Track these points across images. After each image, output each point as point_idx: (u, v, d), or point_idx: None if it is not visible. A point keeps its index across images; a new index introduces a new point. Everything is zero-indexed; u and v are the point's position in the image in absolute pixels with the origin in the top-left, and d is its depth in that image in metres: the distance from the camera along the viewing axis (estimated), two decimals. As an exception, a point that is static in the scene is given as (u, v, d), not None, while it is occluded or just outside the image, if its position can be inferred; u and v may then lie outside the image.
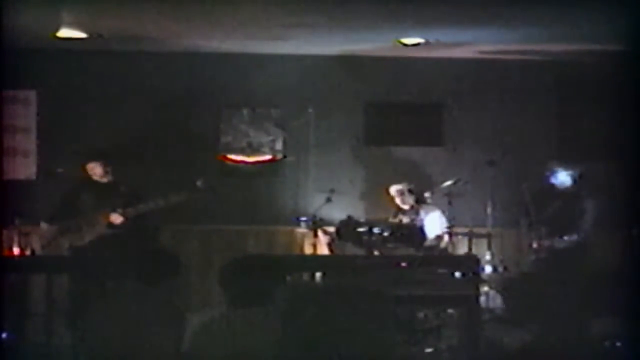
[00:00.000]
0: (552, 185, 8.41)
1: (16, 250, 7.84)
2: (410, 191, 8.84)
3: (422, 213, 8.76)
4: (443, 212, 8.73)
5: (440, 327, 7.52)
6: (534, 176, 8.59)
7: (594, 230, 8.27)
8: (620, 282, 7.05)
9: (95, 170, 8.17)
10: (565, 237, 8.18)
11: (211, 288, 8.47)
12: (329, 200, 8.91)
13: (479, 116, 9.66)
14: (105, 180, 8.18)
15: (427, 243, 8.53)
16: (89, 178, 8.20)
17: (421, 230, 8.52)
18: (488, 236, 8.66)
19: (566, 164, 8.46)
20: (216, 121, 9.58)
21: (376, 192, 9.30)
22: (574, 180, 8.35)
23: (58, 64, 9.21)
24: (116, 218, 8.02)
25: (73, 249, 8.01)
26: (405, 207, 8.86)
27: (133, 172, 8.39)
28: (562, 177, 8.37)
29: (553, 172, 8.40)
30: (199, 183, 8.13)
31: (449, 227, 8.62)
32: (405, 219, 8.77)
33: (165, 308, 4.74)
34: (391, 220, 8.80)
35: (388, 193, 8.93)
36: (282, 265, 5.05)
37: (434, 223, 8.67)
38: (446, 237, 8.65)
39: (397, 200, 8.89)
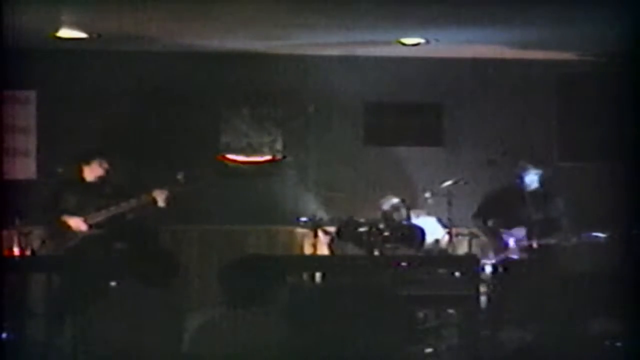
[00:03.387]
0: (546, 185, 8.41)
1: (16, 250, 7.83)
2: (403, 204, 8.57)
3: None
4: (440, 219, 8.67)
5: (440, 327, 7.52)
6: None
7: (595, 231, 8.27)
8: (620, 282, 7.05)
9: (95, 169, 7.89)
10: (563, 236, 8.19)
11: (211, 288, 8.46)
12: (329, 200, 8.90)
13: (479, 116, 9.66)
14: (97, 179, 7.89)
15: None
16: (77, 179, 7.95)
17: (421, 231, 8.51)
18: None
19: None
20: (216, 121, 9.58)
21: (377, 192, 9.29)
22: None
23: (58, 64, 9.19)
24: (77, 224, 7.77)
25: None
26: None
27: (131, 171, 8.39)
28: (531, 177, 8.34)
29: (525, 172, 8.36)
30: (179, 177, 7.88)
31: (448, 231, 8.54)
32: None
33: (165, 308, 4.74)
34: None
35: (379, 209, 8.58)
36: (282, 265, 5.05)
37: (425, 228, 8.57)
38: (446, 238, 8.64)
39: (393, 215, 8.53)
